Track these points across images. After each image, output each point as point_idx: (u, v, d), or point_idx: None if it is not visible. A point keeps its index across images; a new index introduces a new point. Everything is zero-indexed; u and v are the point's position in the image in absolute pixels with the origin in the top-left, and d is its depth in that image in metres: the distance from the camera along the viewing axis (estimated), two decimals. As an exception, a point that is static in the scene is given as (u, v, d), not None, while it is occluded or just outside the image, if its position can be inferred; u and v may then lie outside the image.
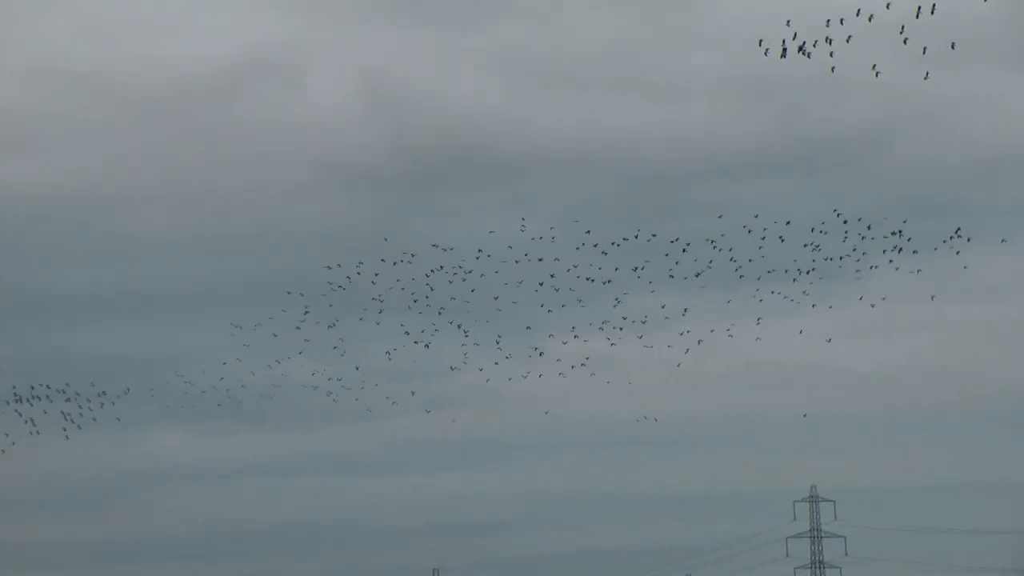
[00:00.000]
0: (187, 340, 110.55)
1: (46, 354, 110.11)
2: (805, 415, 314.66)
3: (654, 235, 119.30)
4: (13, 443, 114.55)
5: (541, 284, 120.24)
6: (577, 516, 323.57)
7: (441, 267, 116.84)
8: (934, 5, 77.42)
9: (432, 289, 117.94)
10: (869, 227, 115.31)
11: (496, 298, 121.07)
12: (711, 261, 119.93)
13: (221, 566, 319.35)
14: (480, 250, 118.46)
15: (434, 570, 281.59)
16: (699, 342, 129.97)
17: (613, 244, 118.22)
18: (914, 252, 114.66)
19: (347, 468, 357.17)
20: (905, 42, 79.39)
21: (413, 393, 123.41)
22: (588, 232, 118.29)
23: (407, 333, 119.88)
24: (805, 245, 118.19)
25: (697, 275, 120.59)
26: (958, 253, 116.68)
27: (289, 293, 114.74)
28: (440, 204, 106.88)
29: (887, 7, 78.83)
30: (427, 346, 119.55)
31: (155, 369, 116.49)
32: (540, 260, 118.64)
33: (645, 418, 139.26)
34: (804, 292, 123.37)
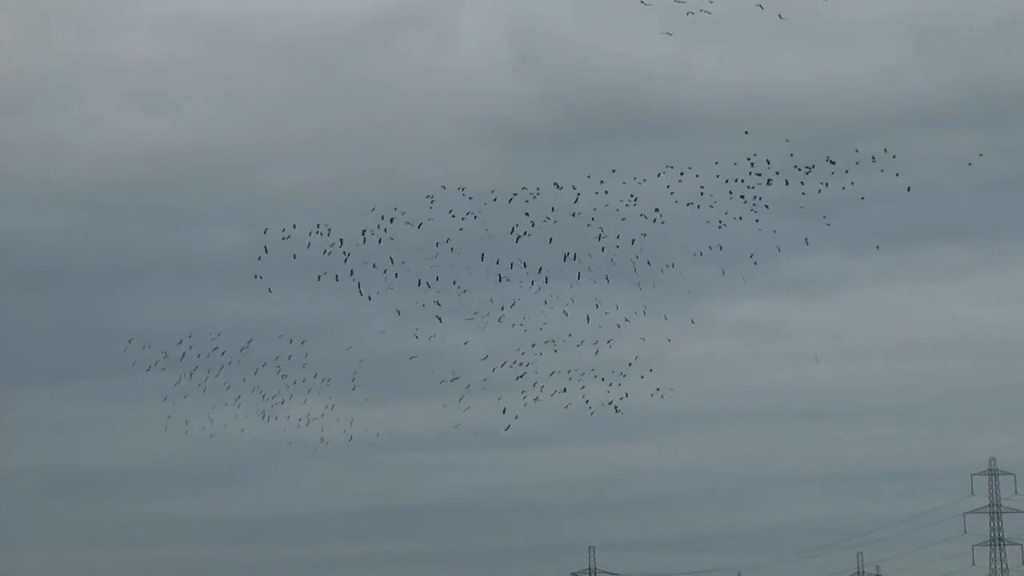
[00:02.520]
0: (335, 303, 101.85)
1: (190, 319, 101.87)
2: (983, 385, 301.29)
3: (820, 192, 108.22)
4: (169, 418, 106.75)
5: (703, 246, 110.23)
6: (740, 492, 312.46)
7: (599, 226, 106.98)
8: None
9: (589, 252, 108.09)
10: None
11: (649, 261, 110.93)
12: (882, 221, 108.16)
13: (371, 543, 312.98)
14: (634, 205, 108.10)
15: (590, 548, 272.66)
16: (868, 308, 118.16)
17: (776, 203, 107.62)
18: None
19: (501, 440, 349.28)
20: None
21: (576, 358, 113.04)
22: (751, 188, 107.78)
23: (552, 298, 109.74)
24: (982, 204, 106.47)
25: (867, 236, 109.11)
26: None
27: (437, 244, 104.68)
28: (594, 159, 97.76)
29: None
30: (588, 314, 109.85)
31: (303, 334, 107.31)
32: (700, 220, 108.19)
33: (811, 387, 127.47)
34: (980, 255, 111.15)
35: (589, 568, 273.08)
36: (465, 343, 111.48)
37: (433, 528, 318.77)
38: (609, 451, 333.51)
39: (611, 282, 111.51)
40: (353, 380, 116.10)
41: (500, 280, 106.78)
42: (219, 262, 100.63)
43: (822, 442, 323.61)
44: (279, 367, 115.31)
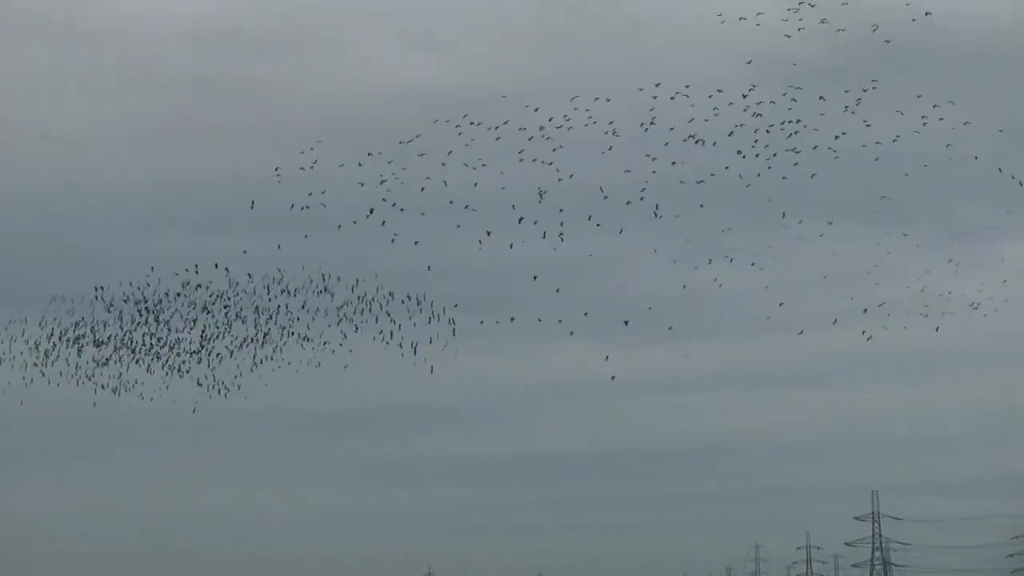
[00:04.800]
0: (603, 245, 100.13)
1: (457, 262, 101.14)
2: None
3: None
4: (419, 353, 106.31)
5: (978, 188, 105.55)
6: (1017, 434, 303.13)
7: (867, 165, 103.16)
8: None
9: (860, 190, 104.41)
10: None
11: (926, 201, 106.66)
12: None
13: (628, 485, 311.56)
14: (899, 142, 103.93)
15: (873, 491, 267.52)
16: None
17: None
18: None
19: (765, 382, 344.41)
20: None
21: (850, 299, 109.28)
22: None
23: (821, 236, 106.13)
24: None
25: None
26: None
27: (700, 182, 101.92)
28: (860, 95, 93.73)
29: None
30: (866, 255, 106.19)
31: (566, 276, 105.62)
32: (975, 158, 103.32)
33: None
34: None
35: (872, 512, 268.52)
36: (719, 285, 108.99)
37: (707, 470, 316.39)
38: (890, 392, 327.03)
39: (887, 222, 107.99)
40: (618, 320, 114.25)
41: (765, 220, 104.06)
42: (493, 204, 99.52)
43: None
44: (538, 312, 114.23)
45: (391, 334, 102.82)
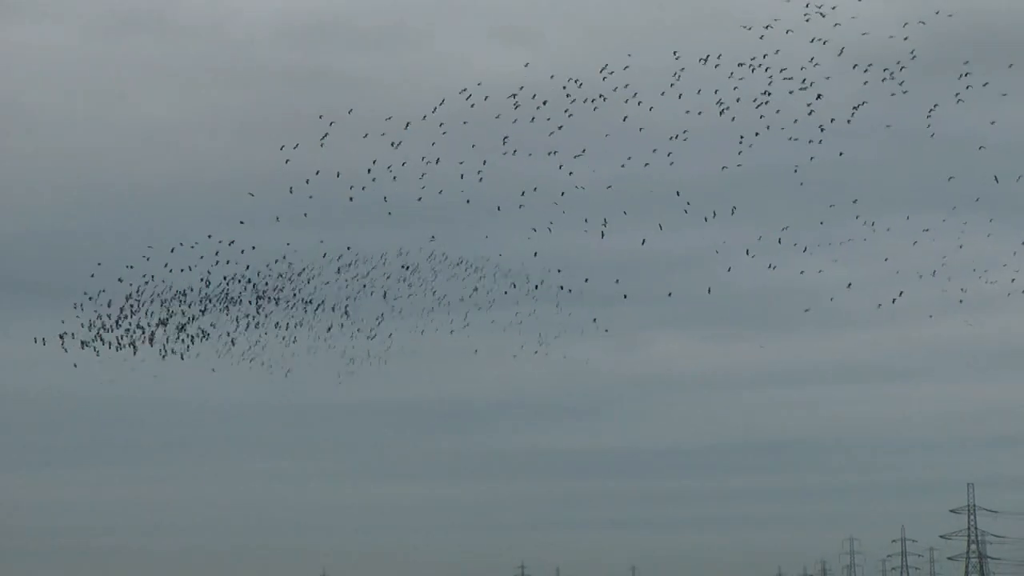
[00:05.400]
0: (698, 238, 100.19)
1: (557, 255, 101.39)
2: None
3: None
4: (522, 346, 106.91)
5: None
6: None
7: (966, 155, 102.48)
8: None
9: (952, 181, 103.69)
10: None
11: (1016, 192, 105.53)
12: None
13: (723, 479, 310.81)
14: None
15: (968, 484, 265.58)
16: None
17: None
18: None
19: (861, 376, 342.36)
20: None
21: (957, 292, 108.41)
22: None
23: (917, 228, 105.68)
24: None
25: None
26: None
27: (802, 184, 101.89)
28: (974, 90, 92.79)
29: None
30: (960, 246, 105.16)
31: (663, 270, 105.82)
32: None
33: None
34: None
35: (968, 505, 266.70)
36: (818, 279, 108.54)
37: (802, 464, 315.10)
38: (986, 386, 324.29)
39: (980, 213, 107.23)
40: (715, 315, 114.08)
41: (858, 212, 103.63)
42: (584, 196, 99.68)
43: None
44: (635, 306, 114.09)
45: (502, 326, 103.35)
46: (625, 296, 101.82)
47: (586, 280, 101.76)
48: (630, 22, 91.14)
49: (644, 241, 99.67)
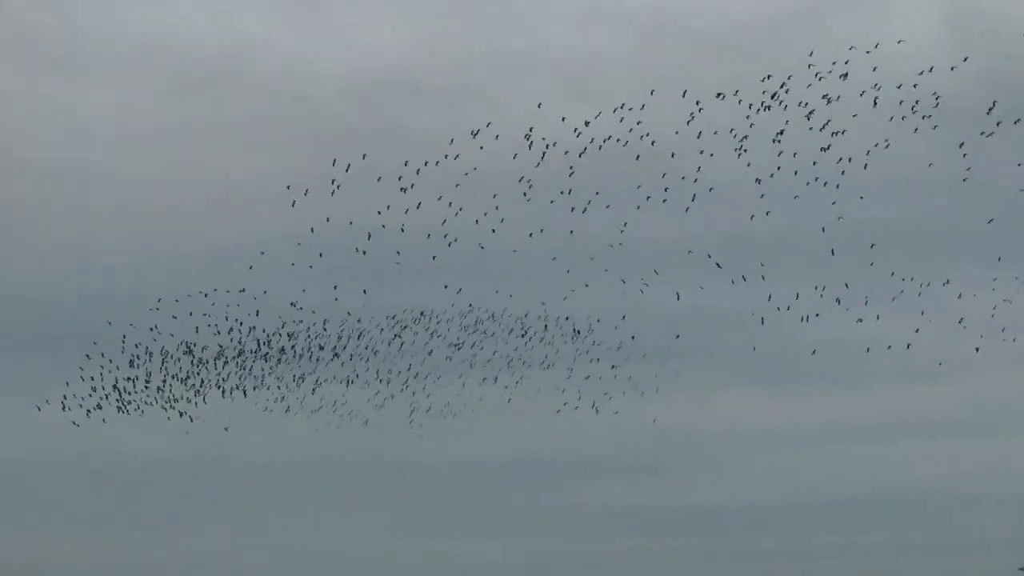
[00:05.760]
0: (764, 291, 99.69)
1: (620, 309, 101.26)
2: None
3: None
4: (579, 401, 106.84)
5: None
6: None
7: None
8: None
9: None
10: None
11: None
12: None
13: (794, 536, 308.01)
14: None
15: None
16: None
17: None
18: None
19: (935, 432, 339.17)
20: None
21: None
22: None
23: (991, 279, 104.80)
24: None
25: None
26: None
27: (873, 247, 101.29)
28: (1006, 128, 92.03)
29: None
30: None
31: (730, 324, 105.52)
32: None
33: None
34: None
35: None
36: (887, 331, 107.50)
37: (875, 521, 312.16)
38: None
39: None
40: (784, 369, 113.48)
41: (933, 264, 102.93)
42: (651, 251, 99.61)
43: None
44: (714, 356, 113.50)
45: (559, 385, 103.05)
46: (691, 351, 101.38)
47: (647, 335, 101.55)
48: (703, 83, 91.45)
49: (712, 294, 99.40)
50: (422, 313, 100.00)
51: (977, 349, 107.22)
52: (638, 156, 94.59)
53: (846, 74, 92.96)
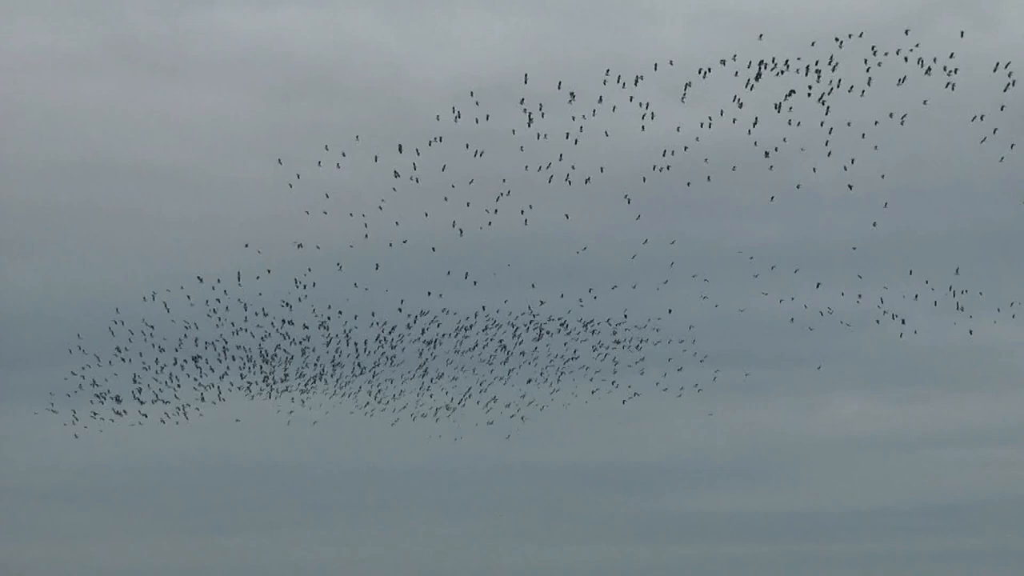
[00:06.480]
0: (878, 296, 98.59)
1: (724, 315, 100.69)
2: None
3: None
4: (698, 408, 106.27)
5: None
6: None
7: None
8: None
9: None
10: None
11: None
12: None
13: (905, 542, 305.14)
14: None
15: None
16: None
17: None
18: None
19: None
20: None
21: None
22: None
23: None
24: None
25: None
26: None
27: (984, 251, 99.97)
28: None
29: None
30: None
31: (844, 329, 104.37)
32: None
33: None
34: None
35: None
36: (1004, 337, 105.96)
37: (998, 526, 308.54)
38: None
39: None
40: (898, 374, 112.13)
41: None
42: (758, 254, 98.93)
43: None
44: (817, 362, 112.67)
45: (662, 385, 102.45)
46: (804, 356, 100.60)
47: (760, 340, 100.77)
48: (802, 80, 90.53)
49: (825, 299, 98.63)
50: (531, 306, 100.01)
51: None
52: (746, 162, 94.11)
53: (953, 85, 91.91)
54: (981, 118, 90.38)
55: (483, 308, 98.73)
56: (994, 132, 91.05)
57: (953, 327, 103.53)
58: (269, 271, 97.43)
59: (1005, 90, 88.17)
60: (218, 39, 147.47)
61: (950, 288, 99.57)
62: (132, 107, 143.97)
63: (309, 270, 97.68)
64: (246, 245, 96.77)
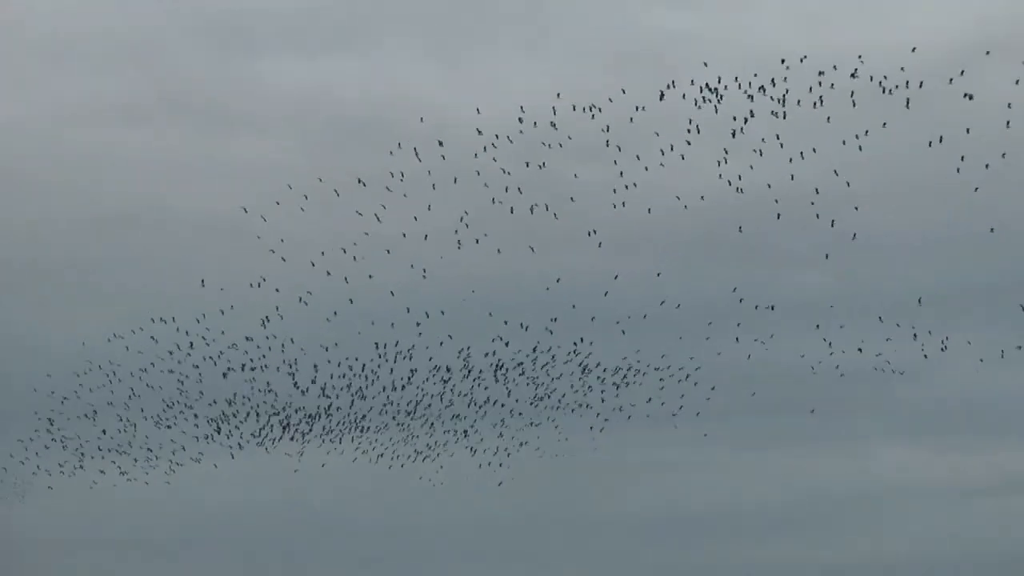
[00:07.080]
0: (921, 346, 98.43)
1: (779, 365, 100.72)
2: None
3: None
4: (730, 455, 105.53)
5: None
6: None
7: None
8: None
9: None
10: None
11: None
12: None
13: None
14: None
15: None
16: None
17: None
18: None
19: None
20: None
21: None
22: None
23: None
24: None
25: None
26: None
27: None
28: None
29: None
30: None
31: (888, 378, 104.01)
32: None
33: None
34: None
35: None
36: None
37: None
38: None
39: None
40: (942, 423, 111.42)
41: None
42: (804, 301, 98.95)
43: None
44: (870, 408, 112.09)
45: (711, 437, 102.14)
46: (855, 409, 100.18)
47: (804, 389, 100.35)
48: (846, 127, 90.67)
49: (869, 349, 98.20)
50: (590, 363, 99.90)
51: None
52: (788, 211, 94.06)
53: None
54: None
55: (575, 345, 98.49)
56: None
57: (1010, 377, 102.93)
58: (324, 319, 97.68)
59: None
60: (268, 87, 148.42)
61: (986, 334, 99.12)
62: (182, 157, 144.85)
63: (372, 323, 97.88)
64: (300, 299, 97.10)
